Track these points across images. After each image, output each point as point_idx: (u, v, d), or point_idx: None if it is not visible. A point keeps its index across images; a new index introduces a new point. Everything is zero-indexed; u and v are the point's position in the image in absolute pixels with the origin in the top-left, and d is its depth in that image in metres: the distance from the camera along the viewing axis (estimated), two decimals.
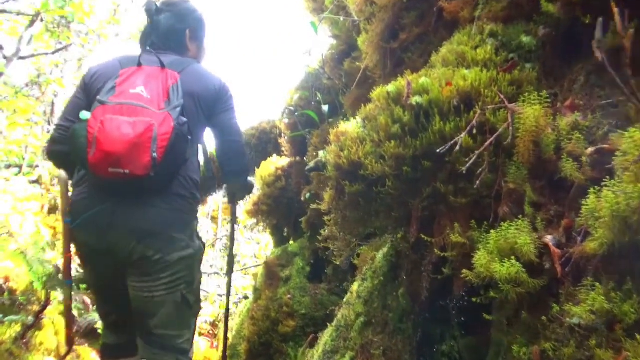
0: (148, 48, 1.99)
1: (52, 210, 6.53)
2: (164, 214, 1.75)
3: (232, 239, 2.61)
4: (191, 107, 1.85)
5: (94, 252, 1.79)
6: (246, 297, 6.53)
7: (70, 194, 1.87)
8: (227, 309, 2.58)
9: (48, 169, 7.00)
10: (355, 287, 2.90)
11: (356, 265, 3.16)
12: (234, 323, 5.11)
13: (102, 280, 1.89)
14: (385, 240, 2.85)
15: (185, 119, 1.75)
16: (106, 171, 1.61)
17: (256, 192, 4.76)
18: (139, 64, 1.82)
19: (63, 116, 1.95)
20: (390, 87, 1.97)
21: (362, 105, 2.19)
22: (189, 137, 1.79)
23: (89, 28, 7.81)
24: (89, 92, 1.87)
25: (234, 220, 2.58)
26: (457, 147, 1.67)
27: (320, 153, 2.47)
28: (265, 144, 5.54)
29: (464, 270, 1.52)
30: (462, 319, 2.06)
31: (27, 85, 7.62)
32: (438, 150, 1.69)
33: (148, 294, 1.75)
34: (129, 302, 1.81)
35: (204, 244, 1.97)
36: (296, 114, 3.26)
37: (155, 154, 1.61)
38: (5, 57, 6.18)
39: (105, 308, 1.99)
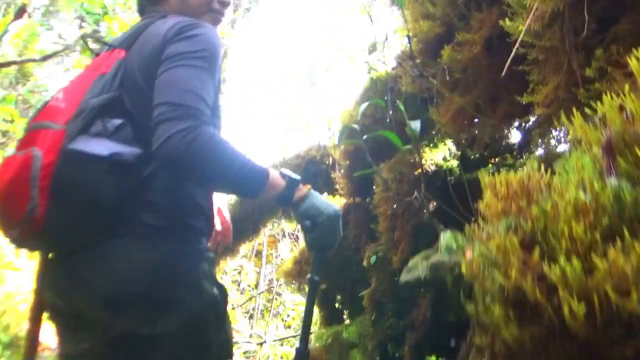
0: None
1: None
2: (142, 265, 1.18)
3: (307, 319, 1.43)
4: (144, 92, 1.21)
5: (61, 317, 1.30)
6: None
7: None
8: None
9: None
10: None
11: None
12: None
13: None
14: None
15: (116, 123, 1.17)
16: (8, 234, 1.19)
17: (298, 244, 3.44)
18: (97, 54, 1.41)
19: None
20: None
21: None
22: (121, 151, 1.15)
23: None
24: None
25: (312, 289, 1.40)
26: None
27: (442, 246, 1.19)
28: (314, 177, 4.21)
29: None
30: None
31: None
32: None
33: None
34: None
35: (223, 290, 1.35)
36: (364, 137, 1.93)
37: (34, 202, 1.09)
38: None
39: None
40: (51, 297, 1.30)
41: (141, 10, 1.51)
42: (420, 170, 2.44)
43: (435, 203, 2.63)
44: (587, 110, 0.77)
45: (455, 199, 2.49)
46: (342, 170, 3.37)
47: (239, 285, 8.65)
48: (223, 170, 1.19)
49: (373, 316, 2.82)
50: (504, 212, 0.73)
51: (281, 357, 5.57)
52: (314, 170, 4.10)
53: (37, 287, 1.31)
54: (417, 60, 2.26)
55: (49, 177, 1.10)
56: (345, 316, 3.52)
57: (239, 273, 8.24)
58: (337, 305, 3.57)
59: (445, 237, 1.45)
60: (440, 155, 2.65)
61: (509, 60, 1.22)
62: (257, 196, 1.30)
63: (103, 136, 1.16)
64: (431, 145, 2.66)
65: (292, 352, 5.94)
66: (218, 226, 1.56)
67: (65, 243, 1.19)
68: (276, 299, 7.51)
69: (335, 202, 3.44)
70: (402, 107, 1.94)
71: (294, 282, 3.52)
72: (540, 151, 2.71)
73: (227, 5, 1.47)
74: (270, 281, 9.26)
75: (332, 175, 3.44)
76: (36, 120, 1.23)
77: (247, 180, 1.23)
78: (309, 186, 1.37)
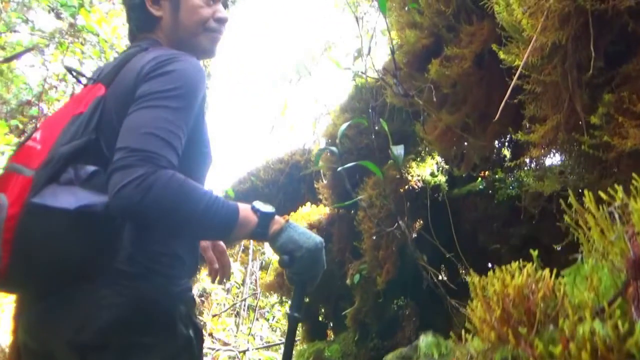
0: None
1: None
2: (108, 309, 1.11)
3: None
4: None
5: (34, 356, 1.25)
6: None
7: None
8: None
9: None
10: None
11: None
12: None
13: None
14: None
15: (89, 170, 1.08)
16: None
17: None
18: (84, 85, 1.27)
19: None
20: None
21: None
22: (90, 203, 1.06)
23: (100, 38, 6.70)
24: None
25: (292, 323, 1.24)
26: None
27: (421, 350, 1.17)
28: (298, 182, 4.08)
29: None
30: None
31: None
32: None
33: None
34: None
35: (198, 330, 1.24)
36: (339, 168, 1.78)
37: None
38: None
39: None
40: (24, 337, 1.26)
41: (131, 39, 1.39)
42: (404, 189, 2.31)
43: (421, 222, 2.50)
44: (601, 194, 0.63)
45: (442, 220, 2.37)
46: (325, 181, 3.23)
47: (224, 284, 8.52)
48: (187, 215, 1.11)
49: (356, 336, 2.70)
50: (500, 338, 0.58)
51: None
52: (298, 176, 3.96)
53: (14, 327, 1.30)
54: (403, 72, 2.11)
55: (12, 230, 1.06)
56: (329, 329, 3.40)
57: None
58: (320, 318, 3.45)
59: (427, 341, 1.32)
60: (427, 170, 2.51)
61: (505, 97, 1.07)
62: (229, 237, 1.20)
63: (75, 184, 1.09)
64: (418, 159, 2.52)
65: (277, 358, 5.83)
66: (215, 263, 1.48)
67: (30, 291, 1.18)
68: (262, 299, 7.38)
69: (318, 214, 3.30)
70: (385, 127, 1.80)
71: (275, 294, 3.38)
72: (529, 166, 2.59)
73: (225, 22, 1.37)
74: (256, 280, 9.14)
75: (316, 185, 3.29)
76: (12, 161, 1.17)
77: (215, 222, 1.14)
78: (286, 217, 1.26)
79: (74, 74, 1.33)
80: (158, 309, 1.21)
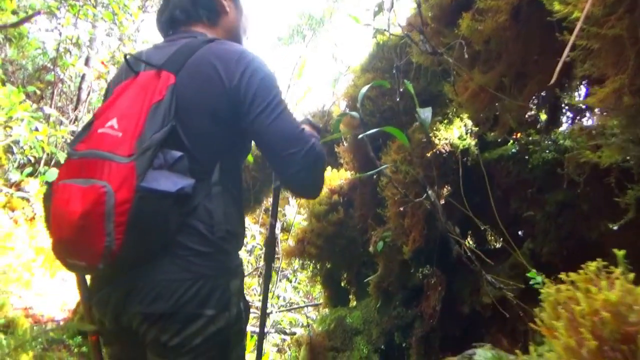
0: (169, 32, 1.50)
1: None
2: (182, 287, 1.30)
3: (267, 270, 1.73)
4: (201, 123, 1.31)
5: (108, 334, 1.45)
6: (294, 334, 5.07)
7: None
8: None
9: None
10: None
11: None
12: None
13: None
14: None
15: (176, 156, 1.24)
16: (65, 262, 1.26)
17: (301, 226, 3.26)
18: (136, 71, 1.34)
19: None
20: None
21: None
22: (184, 185, 1.24)
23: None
24: None
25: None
26: None
27: None
28: None
29: None
30: None
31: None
32: None
33: None
34: None
35: (247, 307, 1.45)
36: (361, 135, 1.66)
37: (110, 238, 1.15)
38: None
39: None
40: (99, 314, 1.43)
41: (170, 25, 1.51)
42: (431, 153, 2.17)
43: (449, 188, 2.37)
44: None
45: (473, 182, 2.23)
46: (347, 144, 3.10)
47: (245, 246, 8.60)
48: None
49: (379, 303, 2.65)
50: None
51: (289, 322, 5.53)
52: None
53: (87, 308, 1.45)
54: (430, 27, 1.94)
55: (126, 214, 1.17)
56: (351, 296, 3.36)
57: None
58: (342, 284, 3.40)
59: (485, 356, 1.22)
60: (455, 133, 2.36)
61: (560, 63, 0.91)
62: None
63: (164, 168, 1.24)
64: (445, 121, 2.37)
65: (298, 318, 5.88)
66: None
67: (125, 267, 1.31)
68: (284, 262, 7.43)
69: (339, 178, 3.20)
70: (411, 89, 1.65)
71: (297, 260, 3.34)
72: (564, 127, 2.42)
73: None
74: (279, 242, 9.21)
75: (336, 149, 3.17)
76: (90, 148, 1.25)
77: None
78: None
79: (129, 58, 1.39)
80: (218, 285, 1.37)
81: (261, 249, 9.27)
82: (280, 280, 7.51)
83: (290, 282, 7.54)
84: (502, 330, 2.48)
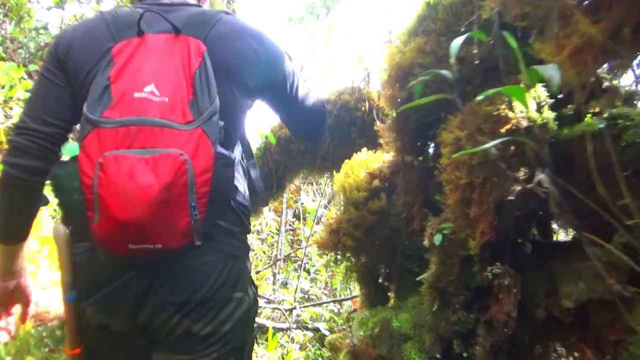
0: None
1: None
2: (215, 270, 1.30)
3: None
4: (227, 93, 1.30)
5: (112, 338, 1.32)
6: (317, 330, 4.73)
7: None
8: None
9: None
10: None
11: None
12: None
13: None
14: None
15: (222, 124, 1.24)
16: (125, 248, 1.15)
17: (335, 214, 2.89)
18: (140, 32, 1.26)
19: (34, 114, 1.29)
20: None
21: None
22: (231, 151, 1.32)
23: None
24: (71, 79, 1.30)
25: None
26: None
27: None
28: (348, 126, 3.55)
29: None
30: None
31: None
32: None
33: None
34: None
35: (256, 288, 1.49)
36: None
37: (196, 212, 1.13)
38: None
39: None
40: (103, 316, 1.32)
41: None
42: (506, 129, 1.79)
43: (526, 170, 1.98)
44: None
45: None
46: (388, 121, 2.70)
47: (259, 234, 8.28)
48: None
49: (435, 306, 2.28)
50: None
51: (310, 317, 5.22)
52: (348, 118, 3.42)
53: (76, 311, 1.38)
54: None
55: (208, 184, 1.14)
56: (390, 293, 3.00)
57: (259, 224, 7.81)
58: (380, 280, 3.03)
59: None
60: (532, 105, 1.96)
61: None
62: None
63: None
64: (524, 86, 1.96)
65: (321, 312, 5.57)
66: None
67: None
68: (299, 251, 7.11)
69: (378, 160, 2.81)
70: (513, 42, 1.26)
71: (328, 252, 2.98)
72: None
73: None
74: (294, 230, 8.88)
75: (375, 128, 2.78)
76: (132, 115, 1.14)
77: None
78: None
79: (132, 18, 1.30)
80: (243, 265, 1.39)
81: (273, 238, 8.95)
82: (295, 269, 7.18)
83: (309, 272, 7.21)
84: (583, 339, 2.12)
